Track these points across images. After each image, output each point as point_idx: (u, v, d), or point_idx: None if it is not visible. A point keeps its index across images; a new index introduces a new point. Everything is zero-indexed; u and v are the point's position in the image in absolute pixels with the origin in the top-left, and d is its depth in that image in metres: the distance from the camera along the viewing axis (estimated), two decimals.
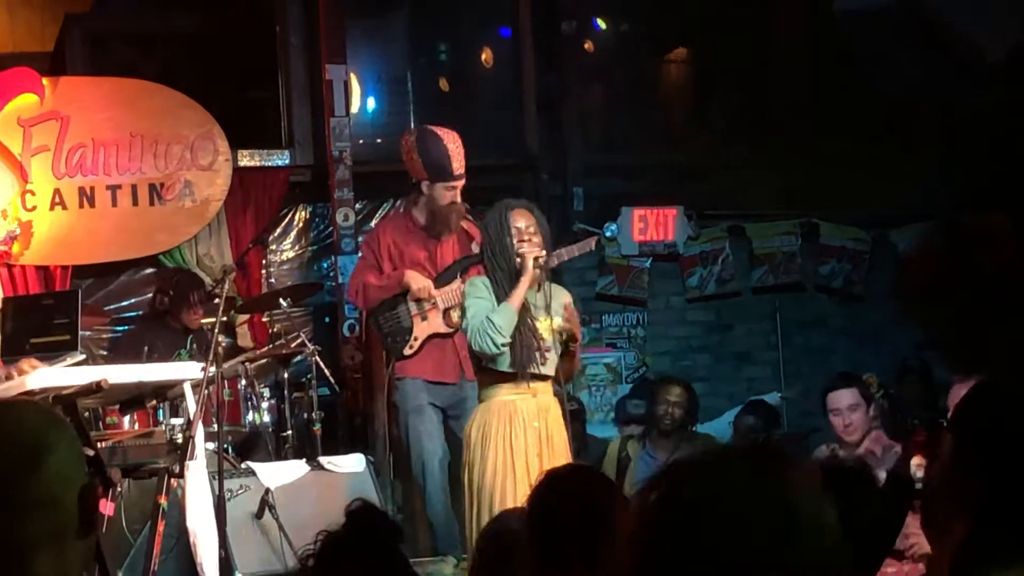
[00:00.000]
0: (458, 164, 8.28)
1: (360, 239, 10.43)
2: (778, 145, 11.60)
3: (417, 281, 8.35)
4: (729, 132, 12.02)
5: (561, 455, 6.83)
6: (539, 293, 6.97)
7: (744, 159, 11.47)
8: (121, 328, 10.15)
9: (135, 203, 10.01)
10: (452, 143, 8.28)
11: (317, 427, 8.77)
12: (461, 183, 8.33)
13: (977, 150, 10.95)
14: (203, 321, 9.40)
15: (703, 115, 12.18)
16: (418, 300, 8.38)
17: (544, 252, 6.96)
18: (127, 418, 7.86)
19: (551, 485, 4.03)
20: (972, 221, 11.54)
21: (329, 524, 3.66)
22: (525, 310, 6.94)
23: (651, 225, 11.20)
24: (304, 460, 8.13)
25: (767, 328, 11.68)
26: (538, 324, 6.95)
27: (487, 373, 7.00)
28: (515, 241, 6.94)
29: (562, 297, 7.16)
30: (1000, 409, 2.72)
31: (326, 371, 9.01)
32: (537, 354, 6.91)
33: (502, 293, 6.92)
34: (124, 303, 10.34)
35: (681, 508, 2.01)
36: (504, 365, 6.90)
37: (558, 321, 6.98)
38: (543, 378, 6.99)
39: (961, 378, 7.47)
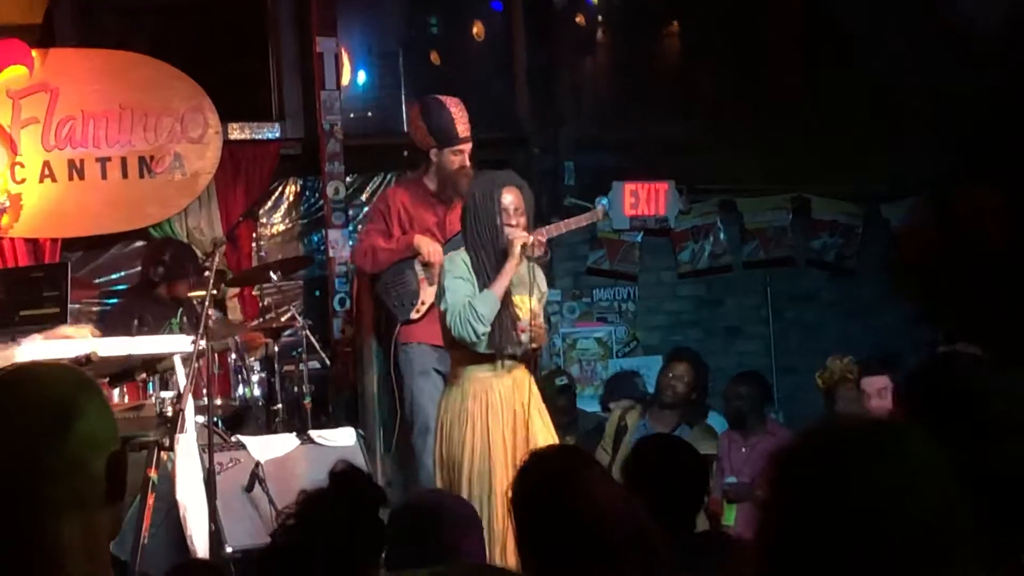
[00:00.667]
0: (463, 128, 8.34)
1: (351, 212, 10.42)
2: (770, 119, 11.57)
3: (427, 245, 8.40)
4: (721, 106, 12.00)
5: (541, 432, 6.77)
6: (521, 270, 6.84)
7: (736, 133, 11.44)
8: (110, 301, 10.13)
9: (125, 176, 9.97)
10: (455, 108, 8.36)
11: (307, 401, 8.77)
12: (468, 146, 8.39)
13: (968, 124, 10.95)
14: (192, 294, 9.38)
15: (695, 89, 12.15)
16: (426, 264, 8.41)
17: (532, 238, 6.80)
18: (117, 391, 7.83)
19: (535, 466, 4.00)
20: (964, 195, 11.59)
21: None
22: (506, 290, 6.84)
23: (642, 200, 11.17)
24: (294, 434, 8.12)
25: (758, 303, 11.68)
26: (516, 301, 6.85)
27: (460, 351, 6.89)
28: (502, 222, 6.80)
29: (542, 283, 7.08)
30: (939, 383, 2.75)
31: (316, 345, 9.00)
32: (514, 334, 6.79)
33: (483, 272, 6.79)
34: (114, 276, 10.32)
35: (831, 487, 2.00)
36: (481, 348, 6.79)
37: (534, 301, 6.86)
38: (520, 358, 6.89)
39: (948, 348, 7.49)
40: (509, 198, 6.83)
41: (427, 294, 8.45)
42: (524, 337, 6.81)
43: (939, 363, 2.87)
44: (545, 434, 6.78)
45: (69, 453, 2.23)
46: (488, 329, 6.68)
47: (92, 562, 2.25)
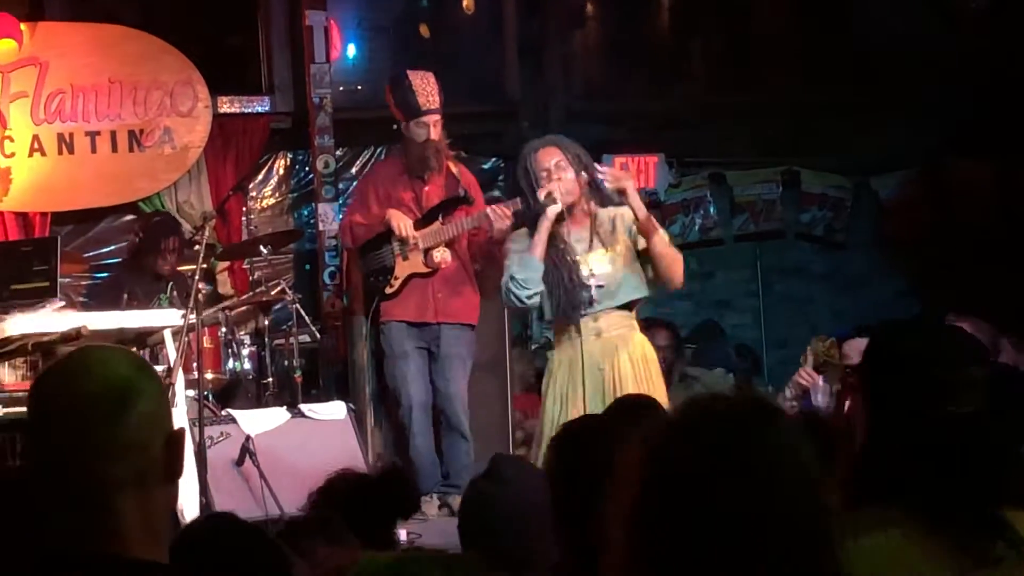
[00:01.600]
0: (424, 99, 8.33)
1: (341, 186, 10.42)
2: (760, 93, 11.59)
3: (397, 219, 8.41)
4: (711, 79, 12.00)
5: (636, 391, 6.28)
6: (580, 228, 6.63)
7: (726, 106, 11.45)
8: (100, 275, 10.12)
9: (114, 149, 9.96)
10: (418, 79, 8.37)
11: (298, 374, 8.80)
12: (433, 118, 8.37)
13: (958, 97, 10.96)
14: (182, 268, 9.38)
15: (685, 62, 12.15)
16: (401, 240, 8.41)
17: (554, 187, 6.60)
18: None
19: (564, 439, 3.99)
20: (954, 168, 11.60)
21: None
22: (562, 250, 6.62)
23: (632, 172, 11.16)
24: (285, 407, 8.14)
25: (748, 276, 11.69)
26: (582, 260, 6.58)
27: (554, 324, 6.73)
28: (540, 185, 6.64)
29: (621, 216, 6.72)
30: (886, 358, 2.78)
31: (307, 318, 9.02)
32: (584, 293, 6.54)
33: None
34: (103, 250, 10.30)
35: (683, 465, 1.99)
36: (548, 314, 6.66)
37: (619, 247, 6.60)
38: (609, 312, 6.59)
39: (953, 318, 7.50)
40: (544, 159, 6.69)
41: (401, 269, 8.47)
42: (602, 294, 6.53)
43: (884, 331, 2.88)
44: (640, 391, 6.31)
45: (129, 434, 2.30)
46: (533, 291, 6.53)
47: (151, 538, 2.33)
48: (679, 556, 1.95)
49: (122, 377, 2.32)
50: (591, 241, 6.60)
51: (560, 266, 6.62)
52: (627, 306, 6.65)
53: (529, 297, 6.52)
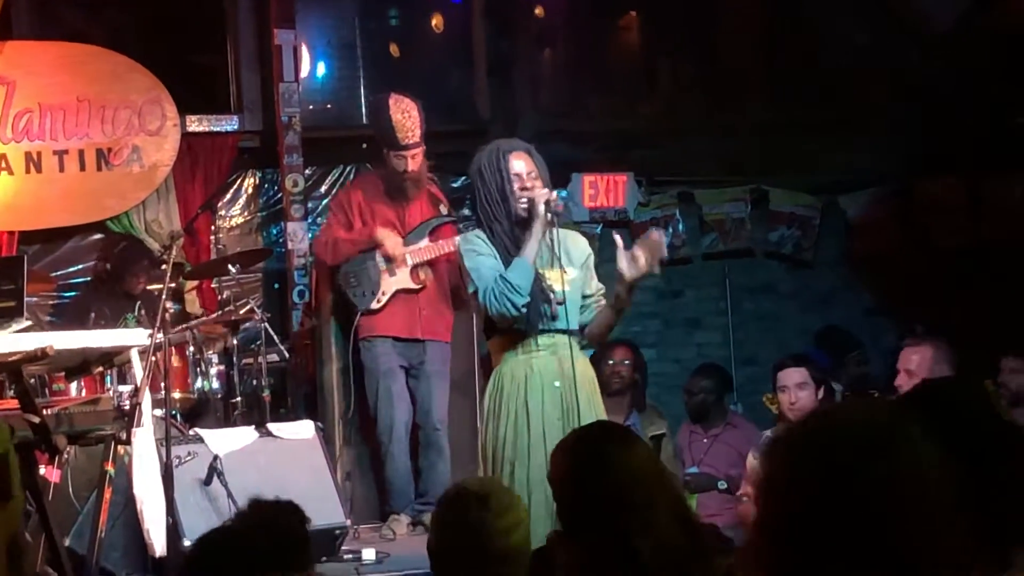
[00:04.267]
0: (404, 135, 8.31)
1: (309, 205, 10.42)
2: (728, 111, 11.61)
3: (390, 239, 8.45)
4: (679, 98, 12.02)
5: (587, 414, 6.16)
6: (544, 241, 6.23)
7: (694, 125, 11.48)
8: (68, 294, 10.10)
9: (82, 168, 9.94)
10: (399, 113, 8.31)
11: (266, 394, 8.79)
12: (413, 152, 8.36)
13: (925, 118, 11.01)
14: (151, 287, 9.37)
15: (653, 81, 12.18)
16: (388, 258, 8.44)
17: (555, 194, 6.24)
18: (73, 385, 7.82)
19: (573, 445, 3.97)
20: (921, 188, 11.65)
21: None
22: None
23: (601, 191, 11.20)
24: (253, 427, 8.11)
25: (717, 294, 11.71)
26: (546, 274, 6.22)
27: (496, 340, 6.36)
28: (513, 189, 6.21)
29: (578, 244, 6.47)
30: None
31: (275, 337, 9.00)
32: (547, 307, 6.19)
33: (501, 247, 6.20)
34: (71, 269, 10.27)
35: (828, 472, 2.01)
36: (520, 323, 6.20)
37: (573, 271, 6.28)
38: (561, 332, 6.24)
39: (912, 342, 7.52)
40: (519, 164, 6.30)
41: (388, 285, 8.50)
42: (560, 311, 6.19)
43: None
44: (591, 416, 6.16)
45: None
46: (528, 299, 6.09)
47: None
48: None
49: None
50: (551, 259, 6.26)
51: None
52: (575, 332, 6.36)
53: (524, 304, 6.10)
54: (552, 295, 6.19)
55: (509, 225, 6.20)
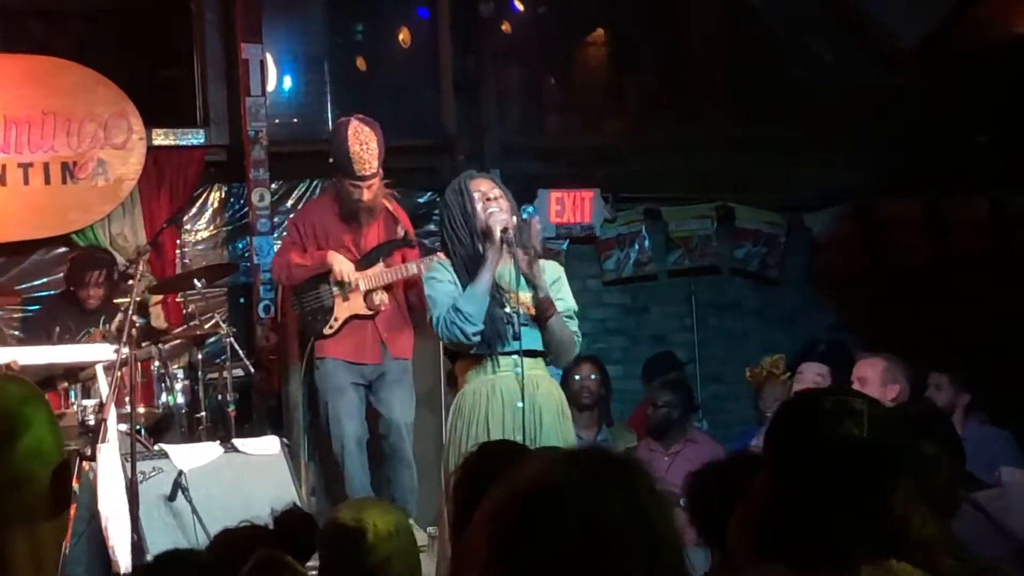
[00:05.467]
0: (360, 166, 8.25)
1: (276, 219, 10.39)
2: (694, 129, 11.64)
3: (339, 263, 8.39)
4: (645, 115, 12.05)
5: (551, 434, 6.20)
6: (504, 263, 6.27)
7: (660, 142, 11.50)
8: (32, 308, 10.04)
9: (47, 182, 9.89)
10: (358, 144, 8.25)
11: (231, 409, 8.75)
12: (368, 183, 8.31)
13: (891, 136, 11.06)
14: (117, 301, 9.33)
15: (620, 98, 12.20)
16: (339, 283, 8.39)
17: (512, 220, 6.26)
18: None
19: (473, 457, 4.01)
20: (885, 206, 11.70)
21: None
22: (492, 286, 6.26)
23: (568, 207, 11.21)
24: (218, 442, 8.09)
25: (683, 311, 11.72)
26: (510, 296, 6.23)
27: (461, 361, 6.42)
28: (474, 209, 6.26)
29: (547, 268, 6.46)
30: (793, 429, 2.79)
31: (241, 352, 8.96)
32: (508, 328, 6.21)
33: (463, 272, 6.27)
34: (36, 282, 10.20)
35: (532, 516, 2.03)
36: (473, 349, 6.27)
37: (525, 295, 6.26)
38: (527, 354, 6.24)
39: (864, 356, 7.57)
40: (482, 185, 6.35)
41: (341, 310, 8.46)
42: (523, 332, 6.20)
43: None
44: (555, 435, 6.21)
45: (15, 467, 2.22)
46: (479, 327, 6.14)
47: (40, 574, 2.24)
48: None
49: (8, 408, 2.24)
50: (517, 278, 6.26)
51: (490, 299, 6.29)
52: (541, 353, 6.38)
53: (475, 332, 6.17)
54: (515, 316, 6.20)
55: (472, 248, 6.25)
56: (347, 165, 8.27)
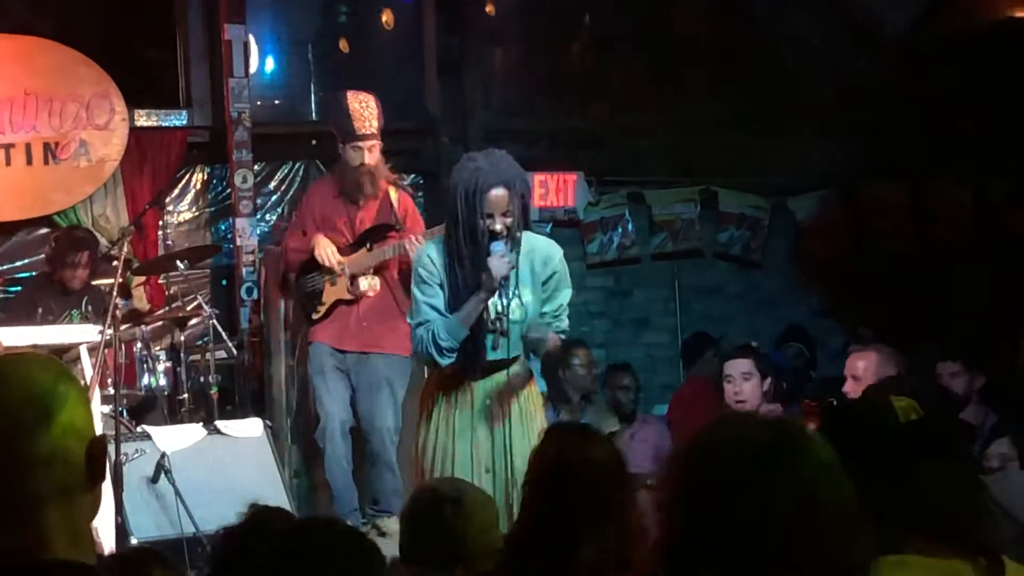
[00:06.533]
0: (361, 124, 8.17)
1: (258, 201, 10.37)
2: (678, 112, 11.63)
3: (321, 247, 8.29)
4: (629, 98, 12.04)
5: (518, 440, 6.08)
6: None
7: (644, 125, 11.50)
8: (13, 289, 10.01)
9: (29, 162, 9.85)
10: (356, 103, 8.19)
11: (214, 391, 8.73)
12: (370, 144, 8.22)
13: (875, 120, 11.07)
14: (98, 282, 9.29)
15: (604, 81, 12.18)
16: (327, 268, 8.33)
17: (511, 265, 5.98)
18: None
19: (545, 444, 4.12)
20: (868, 191, 11.72)
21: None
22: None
23: (551, 191, 11.20)
24: (201, 424, 8.08)
25: (666, 295, 11.74)
26: (498, 304, 6.07)
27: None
28: (486, 227, 5.97)
29: (549, 260, 6.24)
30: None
31: (223, 334, 8.93)
32: (491, 336, 6.08)
33: (454, 276, 6.03)
34: (18, 263, 10.19)
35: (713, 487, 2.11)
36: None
37: (528, 294, 6.12)
38: (503, 364, 6.17)
39: (857, 348, 7.55)
40: (498, 204, 5.99)
41: (328, 295, 8.37)
42: (502, 342, 6.08)
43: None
44: (521, 442, 6.06)
45: (52, 443, 2.26)
46: (452, 357, 6.02)
47: (76, 546, 2.29)
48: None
49: (43, 386, 2.28)
50: (508, 288, 6.09)
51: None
52: (514, 359, 6.25)
53: (448, 359, 6.02)
54: (499, 324, 6.10)
55: (471, 260, 6.03)
56: (347, 124, 8.17)
